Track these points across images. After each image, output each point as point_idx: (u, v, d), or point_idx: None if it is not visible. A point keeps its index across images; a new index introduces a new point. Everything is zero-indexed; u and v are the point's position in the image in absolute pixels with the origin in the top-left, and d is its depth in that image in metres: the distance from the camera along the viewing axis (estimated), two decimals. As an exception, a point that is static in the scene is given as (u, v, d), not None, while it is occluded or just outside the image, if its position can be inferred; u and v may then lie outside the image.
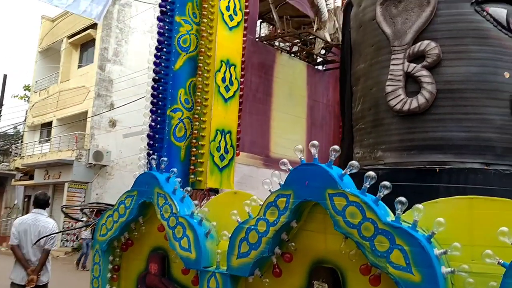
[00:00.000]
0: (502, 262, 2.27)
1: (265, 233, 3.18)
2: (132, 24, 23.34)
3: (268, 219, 3.19)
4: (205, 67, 4.61)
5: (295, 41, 6.00)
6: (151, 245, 4.26)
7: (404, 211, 2.73)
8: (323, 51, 6.18)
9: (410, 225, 2.62)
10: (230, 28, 4.79)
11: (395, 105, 3.83)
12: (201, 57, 4.60)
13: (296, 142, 6.01)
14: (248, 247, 3.26)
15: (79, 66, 23.52)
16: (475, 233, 2.51)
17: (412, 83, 3.83)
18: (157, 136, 4.37)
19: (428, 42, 3.77)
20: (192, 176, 4.46)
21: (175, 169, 4.03)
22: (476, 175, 3.31)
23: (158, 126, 4.38)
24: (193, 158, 4.49)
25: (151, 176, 4.11)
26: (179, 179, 3.99)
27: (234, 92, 4.78)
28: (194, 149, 4.49)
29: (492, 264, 2.34)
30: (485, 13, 3.76)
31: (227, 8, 4.76)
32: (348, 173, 2.93)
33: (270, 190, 3.28)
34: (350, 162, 2.93)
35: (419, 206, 2.62)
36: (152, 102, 4.37)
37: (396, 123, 3.86)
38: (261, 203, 3.35)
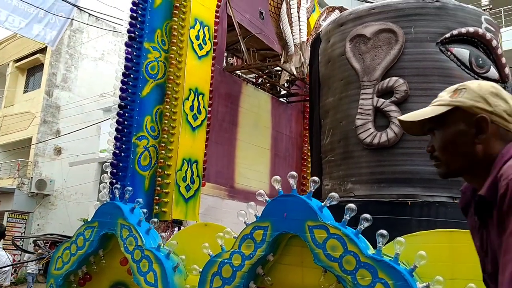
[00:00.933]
0: (485, 295, 2.29)
1: (240, 267, 3.08)
2: (83, 51, 22.83)
3: (244, 252, 3.09)
4: (173, 95, 4.52)
5: (261, 72, 6.04)
6: (111, 279, 4.02)
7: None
8: (286, 84, 6.25)
9: (392, 259, 2.61)
10: (199, 57, 4.75)
11: (365, 139, 3.89)
12: (170, 85, 4.52)
13: (260, 173, 5.98)
14: (221, 281, 3.15)
15: (25, 91, 22.63)
16: (455, 267, 2.53)
17: (380, 117, 3.92)
18: (120, 164, 4.19)
19: (397, 78, 3.88)
20: (157, 207, 4.29)
21: (140, 200, 3.88)
22: (446, 208, 3.38)
23: (123, 154, 4.22)
24: (158, 188, 4.33)
25: (114, 206, 3.92)
26: (144, 210, 3.83)
27: (202, 121, 4.71)
28: (159, 179, 4.35)
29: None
30: (449, 53, 3.93)
31: (197, 37, 4.74)
32: (328, 205, 2.92)
33: (245, 222, 3.20)
34: (330, 194, 2.92)
35: (401, 239, 2.63)
36: (117, 129, 4.21)
37: (366, 156, 3.91)
38: (235, 235, 3.26)
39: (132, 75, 4.36)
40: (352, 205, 2.80)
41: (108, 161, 4.21)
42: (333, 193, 2.89)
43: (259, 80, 6.19)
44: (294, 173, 3.10)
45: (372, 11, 4.19)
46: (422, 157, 3.75)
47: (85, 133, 18.39)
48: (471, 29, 3.99)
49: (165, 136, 4.42)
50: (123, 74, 4.32)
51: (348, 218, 2.80)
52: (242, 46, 5.22)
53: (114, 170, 4.14)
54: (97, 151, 18.57)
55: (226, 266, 3.14)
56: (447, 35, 3.96)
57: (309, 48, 5.75)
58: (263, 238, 3.03)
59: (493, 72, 4.01)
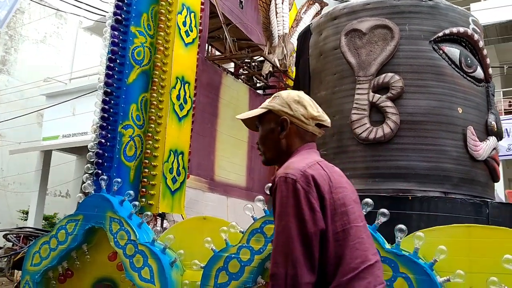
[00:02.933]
0: (507, 288, 2.36)
1: (249, 262, 3.00)
2: (24, 32, 21.54)
3: (253, 246, 3.02)
4: (160, 83, 4.33)
5: (240, 63, 5.93)
6: (96, 276, 3.81)
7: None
8: (264, 76, 6.18)
9: (411, 253, 2.64)
10: (186, 44, 4.58)
11: (360, 133, 3.91)
12: (156, 72, 4.31)
13: (238, 166, 5.89)
14: (228, 277, 3.06)
15: (-41, 73, 21.03)
16: (473, 261, 2.58)
17: (375, 113, 3.95)
18: (106, 154, 3.96)
19: (392, 74, 3.93)
20: (143, 199, 4.10)
21: (131, 192, 3.69)
22: (445, 203, 3.46)
23: (108, 143, 3.99)
24: (145, 180, 4.14)
25: (102, 198, 3.71)
26: (136, 203, 3.65)
27: (188, 111, 4.55)
28: (146, 170, 4.15)
29: (494, 291, 2.43)
30: (441, 51, 4.03)
31: (184, 24, 4.56)
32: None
33: (253, 217, 3.12)
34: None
35: (420, 234, 2.65)
36: (102, 117, 3.96)
37: (361, 151, 3.94)
38: (242, 230, 3.18)
39: (118, 60, 4.12)
40: (369, 200, 2.80)
41: (92, 150, 3.96)
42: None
43: (240, 71, 6.08)
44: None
45: (367, 6, 4.21)
46: (416, 153, 3.84)
47: (26, 119, 17.41)
48: (462, 30, 4.11)
49: (152, 125, 4.23)
50: (109, 59, 4.06)
51: (365, 213, 2.79)
52: (227, 35, 5.09)
53: (100, 160, 3.90)
54: (39, 139, 17.62)
55: (233, 261, 3.05)
56: (440, 34, 4.05)
57: (291, 41, 5.73)
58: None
59: (479, 71, 4.16)
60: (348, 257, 1.45)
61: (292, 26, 5.71)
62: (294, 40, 5.65)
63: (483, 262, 2.54)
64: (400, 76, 3.93)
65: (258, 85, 6.50)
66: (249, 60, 5.86)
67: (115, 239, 3.56)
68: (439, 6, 4.16)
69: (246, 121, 1.83)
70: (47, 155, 16.89)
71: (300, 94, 1.71)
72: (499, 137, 4.19)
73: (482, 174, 3.98)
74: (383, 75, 3.97)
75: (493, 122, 4.13)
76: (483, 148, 3.94)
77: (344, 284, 1.43)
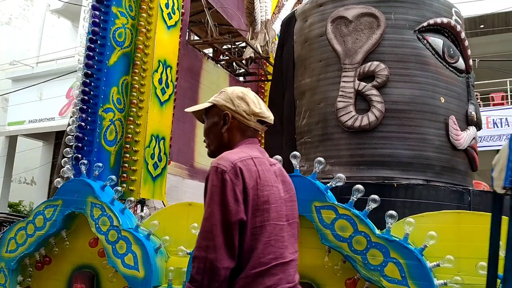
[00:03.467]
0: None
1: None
2: (-15, 13, 20.70)
3: (242, 232, 2.97)
4: (142, 66, 4.22)
5: (223, 48, 5.85)
6: (75, 262, 3.71)
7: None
8: (245, 62, 6.12)
9: (401, 239, 2.66)
10: (168, 27, 4.47)
11: (346, 121, 3.92)
12: (138, 55, 4.20)
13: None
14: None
15: None
16: (461, 246, 2.63)
17: (361, 101, 3.96)
18: (86, 138, 3.84)
19: (378, 63, 3.94)
20: (124, 185, 4.00)
21: (113, 177, 3.60)
22: (428, 190, 3.51)
23: (88, 127, 3.86)
24: (126, 165, 4.04)
25: (83, 183, 3.59)
26: (119, 188, 3.56)
27: (169, 95, 4.46)
28: (127, 155, 4.05)
29: (483, 275, 2.48)
30: (425, 41, 4.06)
31: (166, 6, 4.45)
32: (334, 185, 2.90)
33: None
34: (337, 175, 2.90)
35: (411, 219, 2.68)
36: (83, 100, 3.83)
37: (346, 139, 3.94)
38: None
39: (99, 42, 3.98)
40: (360, 186, 2.81)
41: (72, 133, 3.83)
42: (340, 174, 2.88)
43: (220, 56, 5.99)
44: (296, 153, 3.03)
45: (353, -6, 4.20)
46: (400, 141, 3.87)
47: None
48: (445, 20, 4.16)
49: (134, 109, 4.12)
50: (90, 40, 3.92)
51: (355, 199, 2.80)
52: (209, 19, 4.99)
53: (80, 144, 3.78)
54: (4, 124, 17.04)
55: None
56: (424, 24, 4.08)
57: (273, 28, 5.68)
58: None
59: (461, 62, 4.23)
60: (260, 251, 1.52)
61: (274, 13, 5.66)
62: (276, 27, 5.60)
63: (471, 247, 2.59)
64: (385, 65, 3.94)
65: (238, 71, 6.43)
66: (230, 46, 5.79)
67: (97, 225, 3.46)
68: (424, -5, 4.19)
69: (195, 114, 1.90)
70: (12, 140, 16.37)
71: (244, 91, 1.78)
72: (478, 127, 4.28)
73: (462, 163, 4.05)
74: (369, 63, 3.97)
75: (473, 112, 4.21)
76: (464, 138, 4.01)
77: (252, 276, 1.50)
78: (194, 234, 3.15)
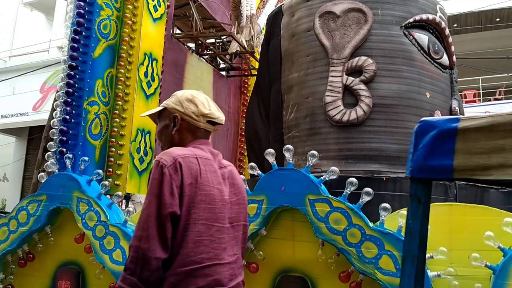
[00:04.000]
0: (489, 264, 2.46)
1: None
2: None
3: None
4: (128, 59, 4.14)
5: (208, 42, 5.79)
6: (59, 259, 3.61)
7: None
8: (228, 57, 6.08)
9: (395, 231, 2.68)
10: (154, 20, 4.40)
11: (334, 115, 3.93)
12: (124, 47, 4.12)
13: (201, 148, 5.76)
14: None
15: None
16: (453, 238, 2.67)
17: (348, 95, 3.98)
18: (70, 132, 3.75)
19: (366, 58, 3.97)
20: (109, 179, 3.93)
21: (100, 171, 3.52)
22: (417, 184, 3.54)
23: (73, 120, 3.77)
24: (111, 159, 3.96)
25: (68, 177, 3.50)
26: (106, 183, 3.48)
27: (155, 89, 4.39)
28: (112, 149, 3.97)
29: (476, 266, 2.52)
30: (411, 37, 4.11)
31: (152, -2, 4.38)
32: (327, 179, 2.90)
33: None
34: (331, 168, 2.90)
35: (404, 212, 2.70)
36: (67, 92, 3.73)
37: (334, 133, 3.96)
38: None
39: (83, 33, 3.89)
40: (353, 179, 2.82)
41: (55, 127, 3.73)
42: (333, 168, 2.88)
43: (205, 51, 5.93)
44: (290, 146, 3.02)
45: (341, -11, 4.21)
46: (387, 135, 3.92)
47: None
48: (430, 17, 4.22)
49: (119, 103, 4.04)
50: (75, 31, 3.82)
51: (349, 192, 2.81)
52: (194, 12, 4.93)
53: (64, 138, 3.68)
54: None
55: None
56: (411, 20, 4.13)
57: (258, 22, 5.65)
58: (257, 212, 2.93)
59: (445, 58, 4.30)
60: (191, 249, 1.55)
61: (258, 7, 5.63)
62: (260, 21, 5.58)
63: (463, 239, 2.63)
64: (373, 60, 3.97)
65: (221, 66, 6.38)
66: (214, 40, 5.74)
67: (83, 220, 3.38)
68: (410, -8, 4.23)
69: (151, 118, 1.93)
70: (-17, 136, 15.91)
71: (194, 93, 1.83)
72: (461, 122, 4.35)
73: (446, 157, 4.11)
74: (357, 58, 4.00)
75: (456, 108, 4.29)
76: (448, 132, 4.07)
77: (184, 274, 1.54)
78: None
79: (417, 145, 1.47)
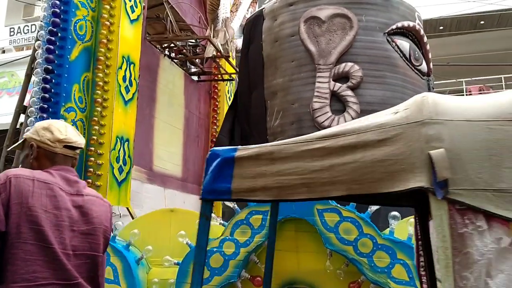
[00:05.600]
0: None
1: (234, 255, 2.83)
2: None
3: (238, 239, 2.84)
4: (106, 62, 3.91)
5: (181, 46, 5.59)
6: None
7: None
8: (199, 61, 5.91)
9: (405, 240, 2.67)
10: (132, 21, 4.19)
11: (323, 122, 3.89)
12: (102, 49, 3.88)
13: (174, 155, 5.57)
14: (210, 272, 2.85)
15: None
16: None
17: (335, 102, 3.96)
18: (47, 140, 3.47)
19: (352, 64, 3.97)
20: (89, 191, 3.67)
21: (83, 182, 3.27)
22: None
23: (49, 128, 3.49)
24: (90, 169, 3.71)
25: (48, 190, 3.23)
26: (90, 195, 3.24)
27: (133, 94, 4.19)
28: (91, 159, 3.72)
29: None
30: (394, 44, 4.16)
31: (129, -2, 4.16)
32: (334, 187, 2.83)
33: (233, 207, 2.94)
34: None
35: (413, 220, 2.69)
36: (43, 98, 3.46)
37: (322, 139, 3.91)
38: (222, 221, 2.99)
39: (59, 34, 3.62)
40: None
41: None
42: (340, 176, 2.82)
43: (175, 55, 5.73)
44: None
45: (325, -6, 4.19)
46: (375, 142, 3.92)
47: None
48: (411, 24, 4.28)
49: (98, 109, 3.80)
50: (50, 32, 3.55)
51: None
52: (170, 14, 4.75)
53: (41, 147, 3.40)
54: None
55: (216, 255, 2.85)
56: (393, 27, 4.18)
57: (232, 26, 5.54)
58: (262, 223, 2.82)
59: (424, 65, 4.38)
60: (21, 267, 1.57)
61: (231, 11, 5.52)
62: (234, 25, 5.47)
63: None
64: (359, 66, 3.97)
65: (193, 70, 6.21)
66: (186, 44, 5.57)
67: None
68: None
69: (17, 149, 1.98)
70: None
71: (52, 122, 1.91)
72: (439, 128, 4.45)
73: (429, 163, 4.19)
74: (343, 64, 3.99)
75: (435, 114, 4.37)
76: (430, 138, 4.14)
77: None
78: (181, 242, 2.96)
79: (207, 171, 1.73)
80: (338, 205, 2.74)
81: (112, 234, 3.12)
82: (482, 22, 15.77)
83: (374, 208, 2.73)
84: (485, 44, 15.81)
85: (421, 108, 1.39)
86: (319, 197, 1.59)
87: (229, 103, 6.72)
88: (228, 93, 6.59)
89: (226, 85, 6.54)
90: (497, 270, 1.27)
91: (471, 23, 15.60)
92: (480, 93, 14.48)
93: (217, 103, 6.41)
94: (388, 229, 2.70)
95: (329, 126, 3.88)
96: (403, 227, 2.68)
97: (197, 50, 5.94)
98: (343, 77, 3.98)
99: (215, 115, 6.36)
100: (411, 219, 2.70)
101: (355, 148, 1.45)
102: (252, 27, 4.65)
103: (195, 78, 6.19)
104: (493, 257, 1.27)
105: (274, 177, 1.57)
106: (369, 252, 2.62)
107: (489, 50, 15.59)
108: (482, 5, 14.18)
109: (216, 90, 6.43)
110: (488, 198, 1.28)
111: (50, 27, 3.55)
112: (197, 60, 5.86)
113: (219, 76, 6.29)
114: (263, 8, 4.60)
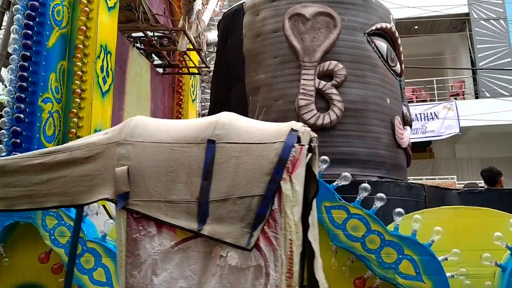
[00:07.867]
0: (498, 263, 2.64)
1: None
2: None
3: None
4: (84, 50, 3.68)
5: (151, 37, 5.37)
6: (15, 283, 3.08)
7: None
8: (165, 53, 5.72)
9: (410, 236, 2.74)
10: (109, 8, 3.97)
11: (308, 119, 3.91)
12: (80, 37, 3.65)
13: (142, 149, 5.34)
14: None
15: None
16: (459, 239, 2.81)
17: (320, 99, 4.00)
18: (24, 133, 3.21)
19: (336, 62, 4.02)
20: (67, 187, 3.44)
21: (68, 179, 3.05)
22: (395, 187, 3.70)
23: (26, 120, 3.24)
24: (68, 164, 3.48)
25: (29, 187, 2.98)
26: (77, 192, 3.03)
27: (110, 85, 3.97)
28: (69, 153, 3.49)
29: (482, 265, 2.69)
30: (373, 44, 4.27)
31: (106, -16, 3.94)
32: (340, 185, 2.86)
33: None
34: (343, 174, 2.86)
35: (418, 216, 2.78)
36: (20, 87, 3.19)
37: (307, 137, 3.93)
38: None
39: (37, 19, 3.35)
40: (367, 185, 2.82)
41: (6, 127, 3.16)
42: (346, 173, 2.85)
43: (148, 46, 5.49)
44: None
45: (309, -8, 4.21)
46: (358, 140, 4.02)
47: None
48: (388, 26, 4.42)
49: (77, 100, 3.57)
50: (28, 16, 3.28)
51: (363, 198, 2.81)
52: (144, 4, 4.54)
53: (18, 141, 3.14)
54: None
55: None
56: (373, 28, 4.29)
57: (203, 19, 5.42)
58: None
59: (398, 66, 4.54)
60: None
61: (202, 3, 5.39)
62: (205, 18, 5.35)
63: (467, 239, 2.78)
64: (343, 65, 4.03)
65: (155, 62, 5.99)
66: (153, 34, 5.37)
67: (52, 237, 2.92)
68: (371, 1, 4.39)
69: None
70: None
71: None
72: (410, 126, 4.64)
73: (403, 160, 4.36)
74: (328, 62, 4.03)
75: (407, 113, 4.55)
76: (406, 136, 4.31)
77: None
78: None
79: None
80: (346, 202, 2.76)
81: (102, 234, 2.96)
82: (416, 27, 16.59)
83: (378, 204, 2.78)
84: (418, 47, 16.66)
85: (122, 130, 1.61)
86: (38, 208, 1.83)
87: (193, 97, 6.59)
88: (192, 87, 6.44)
89: (190, 78, 6.39)
90: (162, 269, 1.49)
91: (406, 27, 16.41)
92: (413, 95, 15.27)
93: (181, 97, 6.24)
94: (393, 224, 2.76)
95: (314, 124, 3.92)
96: (407, 223, 2.75)
97: (163, 41, 5.75)
98: (327, 75, 4.02)
99: (180, 109, 6.19)
100: (416, 216, 2.79)
101: (67, 164, 1.64)
102: (231, 21, 4.57)
103: (160, 70, 5.98)
104: (158, 258, 1.50)
105: (4, 188, 1.70)
106: (377, 248, 2.67)
107: (422, 54, 16.45)
108: (417, 11, 14.92)
109: (181, 84, 6.26)
110: (160, 208, 1.51)
111: (28, 11, 3.27)
112: (163, 52, 5.67)
113: (185, 69, 6.13)
114: (243, 2, 4.54)
